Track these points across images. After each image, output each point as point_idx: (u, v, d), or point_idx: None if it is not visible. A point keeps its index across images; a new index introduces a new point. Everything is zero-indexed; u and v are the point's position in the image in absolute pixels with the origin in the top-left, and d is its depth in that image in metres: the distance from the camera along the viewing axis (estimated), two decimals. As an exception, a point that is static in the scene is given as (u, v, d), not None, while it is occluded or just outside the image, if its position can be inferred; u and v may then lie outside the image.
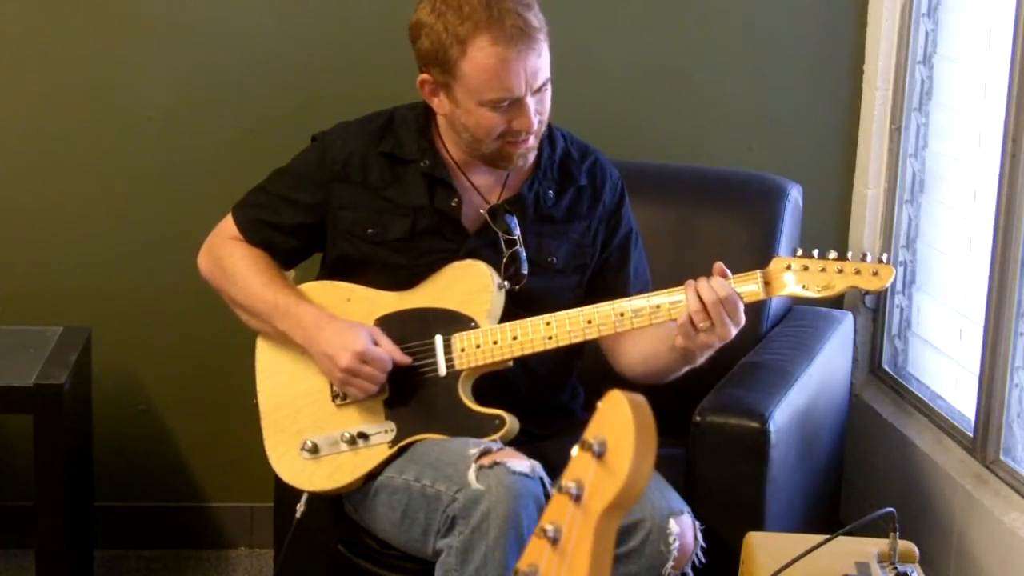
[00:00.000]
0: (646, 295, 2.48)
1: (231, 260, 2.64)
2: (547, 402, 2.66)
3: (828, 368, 3.00)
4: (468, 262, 2.55)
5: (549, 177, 2.62)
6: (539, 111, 2.50)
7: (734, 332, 2.42)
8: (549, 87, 2.51)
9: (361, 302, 2.59)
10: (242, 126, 3.39)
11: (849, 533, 2.31)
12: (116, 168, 3.38)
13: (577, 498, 1.28)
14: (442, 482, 2.39)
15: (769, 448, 2.60)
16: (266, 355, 2.65)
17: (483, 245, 2.57)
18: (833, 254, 2.40)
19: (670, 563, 2.38)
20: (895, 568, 2.31)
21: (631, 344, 2.61)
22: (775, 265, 2.41)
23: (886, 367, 3.46)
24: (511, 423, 2.49)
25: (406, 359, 2.52)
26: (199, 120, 3.38)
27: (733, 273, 2.43)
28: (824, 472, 3.05)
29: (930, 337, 3.34)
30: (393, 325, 2.55)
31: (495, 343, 2.49)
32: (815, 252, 2.40)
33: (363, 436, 2.53)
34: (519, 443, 2.49)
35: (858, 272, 2.38)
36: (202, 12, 3.34)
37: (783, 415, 2.65)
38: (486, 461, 2.35)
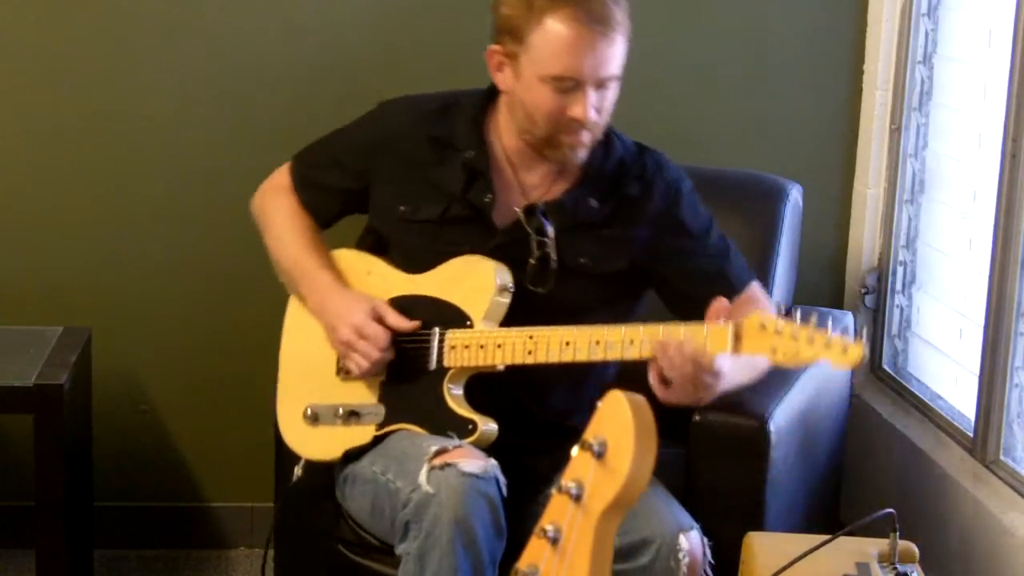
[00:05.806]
0: (627, 326, 2.36)
1: (275, 215, 2.72)
2: (545, 417, 2.59)
3: (828, 368, 2.99)
4: (477, 258, 2.52)
5: (595, 186, 2.56)
6: (598, 107, 2.46)
7: (701, 396, 2.31)
8: (615, 88, 2.48)
9: (379, 278, 2.61)
10: (243, 127, 3.38)
11: (849, 533, 2.31)
12: (116, 168, 3.38)
13: (577, 498, 1.28)
14: (401, 478, 2.40)
15: (769, 448, 2.60)
16: (294, 315, 2.69)
17: (511, 243, 2.53)
18: (813, 319, 2.19)
19: None
20: (895, 568, 2.31)
21: None
22: (749, 321, 2.23)
23: (886, 367, 3.46)
24: (484, 431, 2.45)
25: (411, 324, 2.50)
26: (199, 121, 3.38)
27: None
28: (824, 472, 3.05)
29: (930, 337, 3.34)
30: (402, 309, 2.55)
31: (481, 347, 2.46)
32: (798, 314, 2.21)
33: (355, 414, 2.55)
34: (505, 452, 2.44)
35: (828, 345, 2.17)
36: (204, 13, 3.34)
37: (783, 415, 2.64)
38: (438, 462, 2.33)
